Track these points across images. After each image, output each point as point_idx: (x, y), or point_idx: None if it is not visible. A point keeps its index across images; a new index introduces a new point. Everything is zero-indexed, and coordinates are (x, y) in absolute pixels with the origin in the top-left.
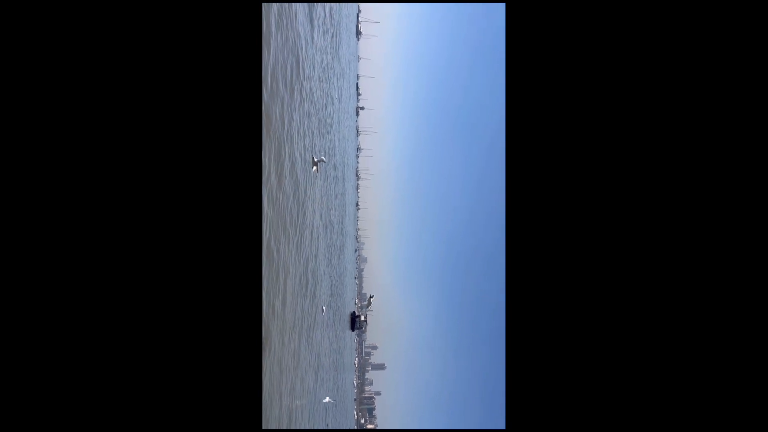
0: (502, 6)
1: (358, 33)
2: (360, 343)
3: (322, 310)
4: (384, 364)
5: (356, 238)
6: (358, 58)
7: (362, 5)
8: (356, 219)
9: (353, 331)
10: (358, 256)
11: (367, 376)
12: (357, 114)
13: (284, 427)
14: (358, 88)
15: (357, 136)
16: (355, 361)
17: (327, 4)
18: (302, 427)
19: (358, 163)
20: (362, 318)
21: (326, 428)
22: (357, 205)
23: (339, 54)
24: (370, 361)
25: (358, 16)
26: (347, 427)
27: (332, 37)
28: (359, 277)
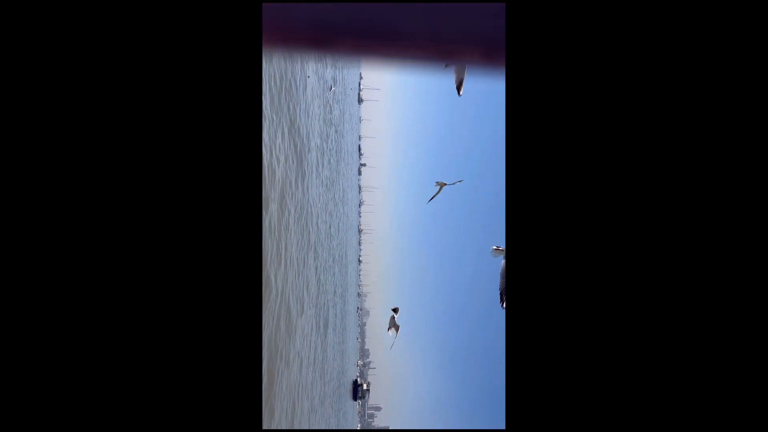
0: (503, 70)
1: (360, 100)
2: (363, 405)
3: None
4: (389, 427)
5: (358, 294)
6: (360, 120)
7: (363, 73)
8: (358, 273)
9: (355, 400)
10: (360, 310)
11: None
12: (359, 173)
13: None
14: (360, 149)
15: (359, 192)
16: (358, 426)
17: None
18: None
19: (360, 217)
20: (365, 386)
21: (326, 428)
22: (359, 259)
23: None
24: (373, 424)
25: (360, 84)
26: None
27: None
28: (361, 333)
